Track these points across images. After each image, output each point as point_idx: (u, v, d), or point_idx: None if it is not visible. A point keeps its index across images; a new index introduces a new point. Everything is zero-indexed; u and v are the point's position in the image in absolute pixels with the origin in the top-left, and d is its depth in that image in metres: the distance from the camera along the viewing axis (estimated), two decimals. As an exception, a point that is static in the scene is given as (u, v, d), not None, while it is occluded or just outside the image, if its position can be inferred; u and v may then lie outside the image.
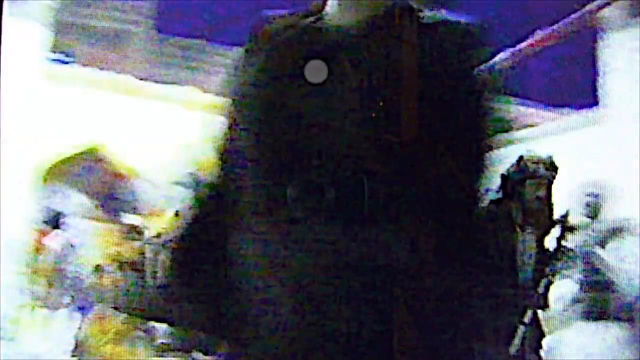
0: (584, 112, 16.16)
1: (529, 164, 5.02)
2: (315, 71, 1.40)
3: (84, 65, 19.41)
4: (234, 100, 1.62)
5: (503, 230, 4.95)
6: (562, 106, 23.20)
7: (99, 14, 32.22)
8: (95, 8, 32.26)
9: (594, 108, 15.46)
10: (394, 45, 1.40)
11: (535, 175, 4.99)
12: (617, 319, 5.65)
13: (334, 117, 1.37)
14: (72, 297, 8.71)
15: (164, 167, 18.16)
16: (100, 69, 19.31)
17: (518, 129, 20.21)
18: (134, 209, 18.42)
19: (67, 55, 20.62)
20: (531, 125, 20.09)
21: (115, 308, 8.18)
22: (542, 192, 5.00)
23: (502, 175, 5.08)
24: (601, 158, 12.70)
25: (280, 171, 1.38)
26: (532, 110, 28.26)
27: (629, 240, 6.37)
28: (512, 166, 5.06)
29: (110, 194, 19.40)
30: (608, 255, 6.29)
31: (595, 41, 14.78)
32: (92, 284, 8.77)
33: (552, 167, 5.15)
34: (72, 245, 8.60)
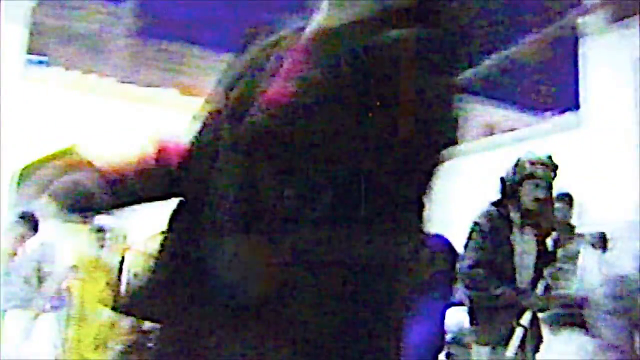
0: (564, 115, 16.29)
1: (526, 165, 4.96)
2: None
3: (63, 67, 19.30)
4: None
5: (501, 231, 4.92)
6: (544, 110, 23.32)
7: (78, 16, 32.13)
8: (74, 10, 32.17)
9: (575, 111, 15.59)
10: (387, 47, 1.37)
11: (534, 177, 4.93)
12: (583, 328, 5.62)
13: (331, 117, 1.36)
14: (52, 299, 8.64)
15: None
16: (79, 71, 19.21)
17: (501, 132, 20.33)
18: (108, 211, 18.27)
19: (45, 57, 20.53)
20: (512, 129, 20.21)
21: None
22: (540, 193, 4.93)
23: (501, 178, 5.04)
24: (581, 161, 12.81)
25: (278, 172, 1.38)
26: (513, 114, 28.46)
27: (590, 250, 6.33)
28: (510, 168, 5.02)
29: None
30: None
31: (576, 46, 14.92)
32: (70, 285, 8.72)
33: (550, 167, 5.06)
34: (48, 247, 8.50)
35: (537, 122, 18.53)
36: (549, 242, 5.09)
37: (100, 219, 15.99)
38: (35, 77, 17.95)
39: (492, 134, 23.32)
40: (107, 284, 8.64)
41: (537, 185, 4.98)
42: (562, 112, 16.48)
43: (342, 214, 1.33)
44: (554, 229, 5.16)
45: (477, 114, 26.60)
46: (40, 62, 19.39)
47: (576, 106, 15.28)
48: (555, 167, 5.10)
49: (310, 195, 1.32)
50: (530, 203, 4.97)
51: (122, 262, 10.73)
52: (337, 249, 1.32)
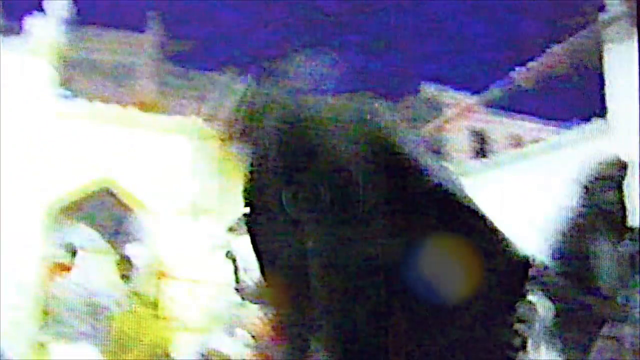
0: (591, 123, 16.20)
1: (600, 166, 4.75)
2: None
3: (90, 99, 19.44)
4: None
5: (579, 237, 4.72)
6: (570, 119, 23.18)
7: (103, 48, 32.35)
8: (99, 42, 32.39)
9: (598, 120, 15.54)
10: None
11: (607, 178, 4.72)
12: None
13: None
14: (87, 330, 8.66)
15: (169, 198, 18.17)
16: (104, 102, 19.34)
17: (529, 143, 20.21)
18: (139, 240, 18.41)
19: (73, 91, 20.69)
20: (537, 141, 20.09)
21: None
22: (615, 195, 4.73)
23: (575, 181, 4.85)
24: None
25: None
26: (536, 125, 28.30)
27: None
28: (583, 170, 4.83)
29: (118, 227, 19.41)
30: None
31: (600, 55, 14.91)
32: (107, 316, 8.73)
33: (620, 166, 4.92)
34: (92, 278, 8.52)
35: (564, 131, 18.41)
36: (624, 246, 4.83)
37: (132, 248, 16.04)
38: (62, 110, 18.10)
39: (519, 145, 23.22)
40: (146, 312, 8.64)
41: (610, 187, 4.81)
42: (588, 120, 16.39)
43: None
44: (630, 231, 4.86)
45: (504, 126, 26.50)
46: (66, 95, 19.55)
47: (602, 114, 15.24)
48: (625, 167, 4.92)
49: None
50: (606, 205, 4.79)
51: (159, 289, 10.77)
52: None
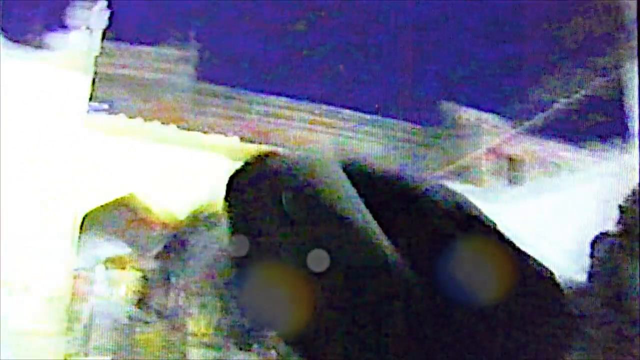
0: (611, 142, 16.21)
1: (636, 188, 4.74)
2: None
3: (125, 114, 19.55)
4: None
5: (622, 263, 4.70)
6: (607, 148, 23.02)
7: (139, 64, 32.63)
8: (135, 58, 32.68)
9: (622, 138, 15.50)
10: None
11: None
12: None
13: None
14: (110, 345, 8.66)
15: (203, 215, 18.22)
16: (141, 118, 19.43)
17: (568, 171, 20.11)
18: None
19: (107, 105, 20.84)
20: (571, 166, 20.00)
21: None
22: None
23: (620, 206, 4.84)
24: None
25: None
26: (571, 151, 28.17)
27: None
28: (628, 196, 4.83)
29: (146, 241, 19.45)
30: None
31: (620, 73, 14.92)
32: (129, 331, 8.73)
33: None
34: (107, 292, 8.51)
35: (601, 160, 18.34)
36: None
37: (154, 263, 16.08)
38: (98, 125, 18.22)
39: (557, 172, 23.07)
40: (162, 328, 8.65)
41: None
42: (621, 143, 16.34)
43: None
44: None
45: (543, 153, 26.36)
46: (103, 110, 19.69)
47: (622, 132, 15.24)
48: None
49: None
50: None
51: (178, 304, 10.76)
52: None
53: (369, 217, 1.29)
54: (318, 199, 1.32)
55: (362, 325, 1.36)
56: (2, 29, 18.84)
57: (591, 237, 5.06)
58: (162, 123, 19.74)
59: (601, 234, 5.00)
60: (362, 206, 1.29)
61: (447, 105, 27.69)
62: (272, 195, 1.33)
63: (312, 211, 1.31)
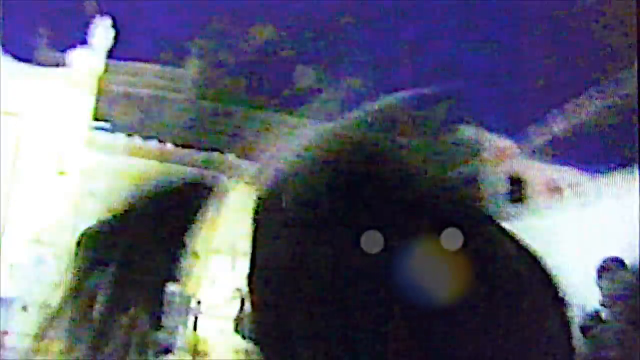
0: (624, 170, 16.10)
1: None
2: None
3: (125, 132, 19.60)
4: None
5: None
6: (611, 169, 23.02)
7: (141, 82, 32.70)
8: (137, 75, 32.76)
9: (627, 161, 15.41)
10: None
11: None
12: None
13: None
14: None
15: (205, 235, 18.20)
16: (142, 136, 19.47)
17: (569, 192, 20.07)
18: (174, 278, 18.42)
19: (109, 123, 20.88)
20: (574, 187, 19.96)
21: None
22: None
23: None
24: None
25: None
26: (574, 171, 28.13)
27: None
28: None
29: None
30: None
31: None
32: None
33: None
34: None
35: (603, 181, 18.26)
36: None
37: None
38: (100, 143, 18.26)
39: (559, 193, 23.04)
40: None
41: None
42: (627, 166, 16.25)
43: None
44: None
45: (542, 171, 26.36)
46: (104, 128, 19.72)
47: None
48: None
49: None
50: None
51: (195, 327, 10.73)
52: None
53: None
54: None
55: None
56: (5, 46, 18.93)
57: (596, 262, 5.10)
58: (160, 141, 19.79)
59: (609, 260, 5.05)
60: None
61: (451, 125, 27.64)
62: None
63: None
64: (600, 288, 5.10)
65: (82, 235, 1.74)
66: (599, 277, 5.17)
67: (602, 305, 5.15)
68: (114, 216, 1.40)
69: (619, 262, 5.82)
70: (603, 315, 5.13)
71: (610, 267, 5.46)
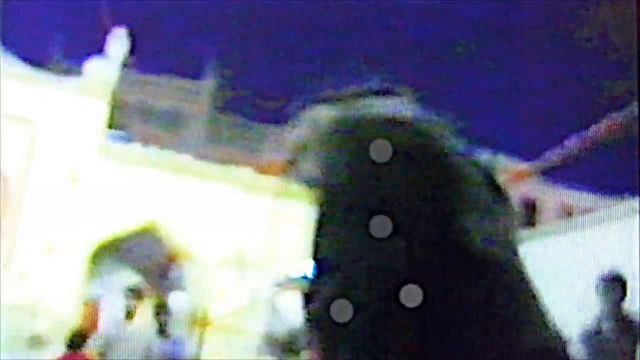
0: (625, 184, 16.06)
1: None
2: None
3: (141, 143, 19.63)
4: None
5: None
6: (622, 191, 22.93)
7: (157, 93, 32.79)
8: (154, 87, 32.85)
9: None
10: None
11: None
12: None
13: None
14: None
15: (214, 246, 18.18)
16: (157, 147, 19.49)
17: (580, 214, 20.02)
18: (183, 288, 18.42)
19: (124, 133, 20.92)
20: (587, 211, 19.84)
21: None
22: None
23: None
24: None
25: None
26: (588, 195, 28.00)
27: None
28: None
29: (163, 274, 19.44)
30: None
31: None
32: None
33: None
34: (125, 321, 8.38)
35: (615, 203, 18.18)
36: None
37: (174, 295, 15.98)
38: (114, 152, 18.27)
39: (569, 215, 22.96)
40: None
41: None
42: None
43: None
44: None
45: (555, 195, 26.27)
46: (120, 138, 19.75)
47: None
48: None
49: None
50: None
51: (201, 339, 10.70)
52: None
53: None
54: None
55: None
56: (21, 55, 19.03)
57: (604, 283, 5.23)
58: (178, 152, 19.81)
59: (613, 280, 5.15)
60: None
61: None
62: None
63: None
64: (600, 300, 5.28)
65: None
66: (597, 289, 5.37)
67: (602, 316, 5.37)
68: None
69: (616, 277, 5.90)
70: (603, 326, 5.34)
71: (608, 281, 5.57)
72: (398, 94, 1.58)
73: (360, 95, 1.59)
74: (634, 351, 5.29)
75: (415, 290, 1.29)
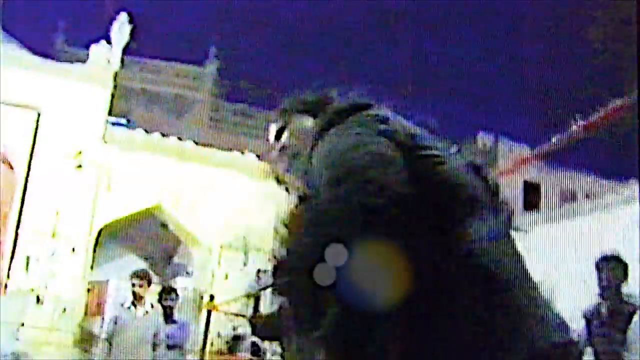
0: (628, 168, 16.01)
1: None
2: None
3: (143, 129, 19.61)
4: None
5: None
6: (626, 176, 22.87)
7: (160, 80, 32.74)
8: (156, 73, 32.81)
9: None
10: None
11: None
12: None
13: None
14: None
15: (218, 231, 18.23)
16: (160, 133, 19.48)
17: (583, 198, 20.01)
18: (187, 273, 18.43)
19: (127, 120, 20.92)
20: (591, 196, 19.84)
21: None
22: None
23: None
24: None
25: None
26: (591, 179, 27.94)
27: None
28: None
29: (168, 259, 19.48)
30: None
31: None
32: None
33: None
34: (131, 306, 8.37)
35: (619, 188, 18.14)
36: None
37: (180, 280, 16.00)
38: (117, 139, 18.28)
39: (573, 200, 22.91)
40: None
41: None
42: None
43: None
44: None
45: (558, 179, 26.21)
46: (122, 124, 19.75)
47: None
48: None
49: None
50: None
51: (207, 322, 10.74)
52: None
53: None
54: None
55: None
56: (23, 42, 19.02)
57: (605, 263, 5.28)
58: (181, 138, 19.81)
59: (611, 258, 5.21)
60: None
61: (465, 127, 27.62)
62: None
63: None
64: (599, 280, 5.33)
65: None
66: (598, 268, 5.42)
67: (600, 296, 5.42)
68: None
69: (617, 258, 5.91)
70: (602, 308, 5.39)
71: (607, 261, 5.59)
72: (378, 108, 1.61)
73: (343, 110, 1.61)
74: (625, 331, 5.34)
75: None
